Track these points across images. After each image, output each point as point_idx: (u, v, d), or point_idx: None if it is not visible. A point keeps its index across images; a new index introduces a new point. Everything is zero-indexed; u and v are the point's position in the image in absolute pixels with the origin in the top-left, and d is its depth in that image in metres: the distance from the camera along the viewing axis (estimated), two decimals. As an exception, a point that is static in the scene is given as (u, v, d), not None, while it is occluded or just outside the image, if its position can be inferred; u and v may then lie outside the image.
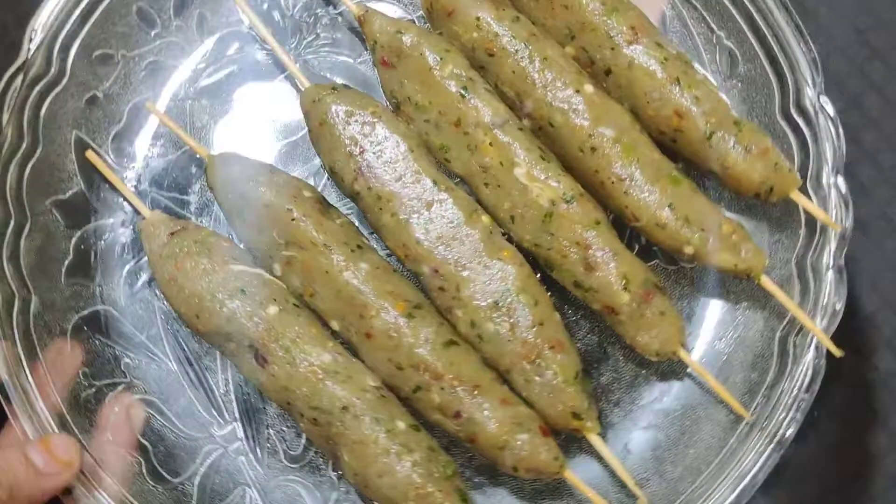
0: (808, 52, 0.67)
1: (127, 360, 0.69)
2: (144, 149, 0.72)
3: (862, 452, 0.74)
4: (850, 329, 0.74)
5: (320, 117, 0.68)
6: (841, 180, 0.66)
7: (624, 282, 0.65)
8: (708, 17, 0.71)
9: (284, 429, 0.68)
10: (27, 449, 0.61)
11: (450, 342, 0.65)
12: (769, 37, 0.68)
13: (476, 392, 0.64)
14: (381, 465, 0.62)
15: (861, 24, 0.79)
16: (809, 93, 0.67)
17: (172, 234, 0.67)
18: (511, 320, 0.64)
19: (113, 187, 0.70)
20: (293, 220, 0.66)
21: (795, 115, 0.68)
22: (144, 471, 0.66)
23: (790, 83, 0.68)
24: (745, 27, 0.70)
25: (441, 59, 0.68)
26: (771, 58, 0.69)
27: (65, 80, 0.70)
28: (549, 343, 0.64)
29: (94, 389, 0.67)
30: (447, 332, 0.65)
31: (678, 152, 0.68)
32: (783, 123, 0.69)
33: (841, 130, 0.66)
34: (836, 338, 0.66)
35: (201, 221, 0.71)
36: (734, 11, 0.70)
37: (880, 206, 0.77)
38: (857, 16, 0.79)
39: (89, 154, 0.70)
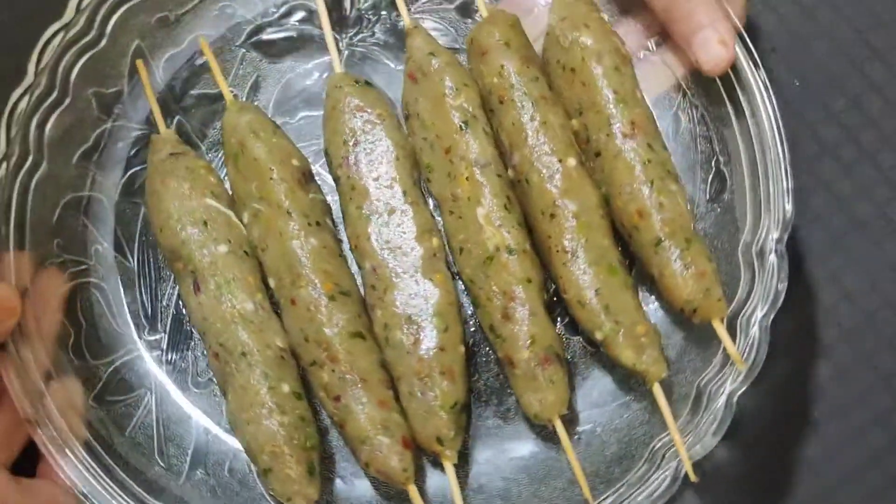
0: (787, 209, 0.70)
1: (98, 246, 0.76)
2: (188, 77, 0.79)
3: (862, 452, 0.75)
4: (850, 329, 0.76)
5: (335, 102, 0.74)
6: (766, 328, 0.68)
7: (529, 341, 0.69)
8: (714, 140, 0.75)
9: (199, 355, 0.75)
10: None
11: (357, 334, 0.70)
12: (761, 179, 0.71)
13: (360, 385, 0.69)
14: (253, 413, 0.68)
15: (861, 24, 0.79)
16: (772, 240, 0.70)
17: (173, 154, 0.74)
18: (417, 336, 0.69)
19: (146, 99, 0.78)
20: (271, 179, 0.72)
21: (753, 255, 0.70)
22: (70, 343, 0.73)
23: (762, 226, 0.71)
24: (744, 161, 0.73)
25: (456, 90, 0.73)
26: (755, 199, 0.72)
27: (145, -6, 0.78)
28: (442, 368, 0.69)
29: (60, 259, 0.75)
30: (360, 325, 0.70)
31: (632, 247, 0.72)
32: (740, 258, 0.71)
33: (783, 284, 0.69)
34: (835, 339, 0.69)
35: (209, 156, 0.78)
36: (741, 145, 0.73)
37: (880, 206, 0.78)
38: (857, 16, 0.79)
39: (139, 62, 0.78)
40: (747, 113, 0.72)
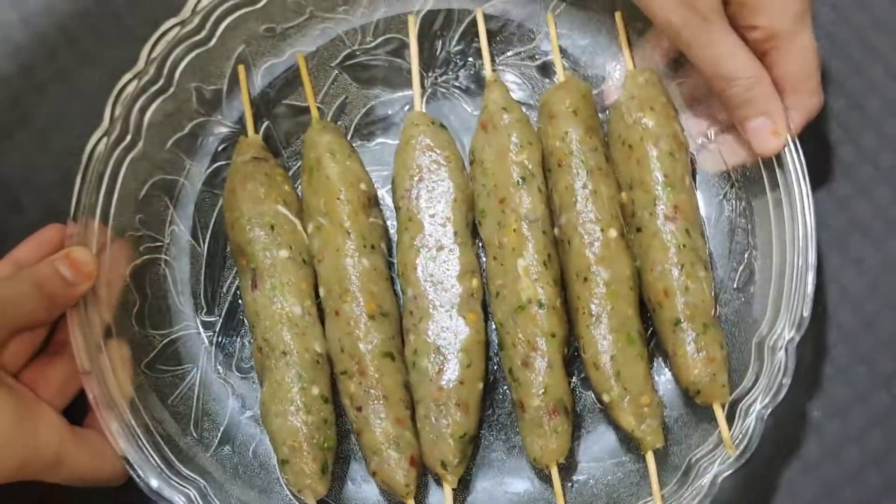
0: (804, 314, 0.74)
1: (175, 227, 0.83)
2: (283, 87, 0.86)
3: (861, 453, 0.77)
4: (850, 329, 0.79)
5: (409, 137, 0.80)
6: (763, 419, 0.73)
7: (543, 390, 0.75)
8: (751, 234, 0.79)
9: (246, 344, 0.82)
10: (56, 264, 0.74)
11: (388, 353, 0.76)
12: (786, 280, 0.76)
13: (382, 401, 0.75)
14: (283, 408, 0.75)
15: (861, 24, 0.81)
16: (784, 339, 0.74)
17: (256, 158, 0.81)
18: (442, 366, 0.75)
19: (241, 101, 0.84)
20: (338, 199, 0.79)
21: (765, 349, 0.75)
22: (135, 311, 0.81)
23: (778, 323, 0.75)
24: (774, 261, 0.77)
25: (520, 146, 0.79)
26: (777, 298, 0.76)
27: (260, 5, 0.84)
28: (458, 400, 0.75)
29: (139, 233, 0.82)
30: (392, 346, 0.77)
31: (654, 321, 0.77)
32: (753, 348, 0.76)
33: (787, 380, 0.73)
34: (835, 339, 0.72)
35: (288, 164, 0.84)
36: (774, 246, 0.78)
37: (880, 205, 0.80)
38: (857, 16, 0.81)
39: (240, 67, 0.85)
40: (787, 220, 0.76)
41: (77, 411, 0.76)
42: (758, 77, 0.75)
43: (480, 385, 0.77)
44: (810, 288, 0.75)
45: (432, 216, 0.78)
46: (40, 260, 0.75)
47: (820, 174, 0.82)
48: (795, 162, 0.76)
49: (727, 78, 0.75)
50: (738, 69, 0.75)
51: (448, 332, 0.76)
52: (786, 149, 0.76)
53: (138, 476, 0.75)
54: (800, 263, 0.75)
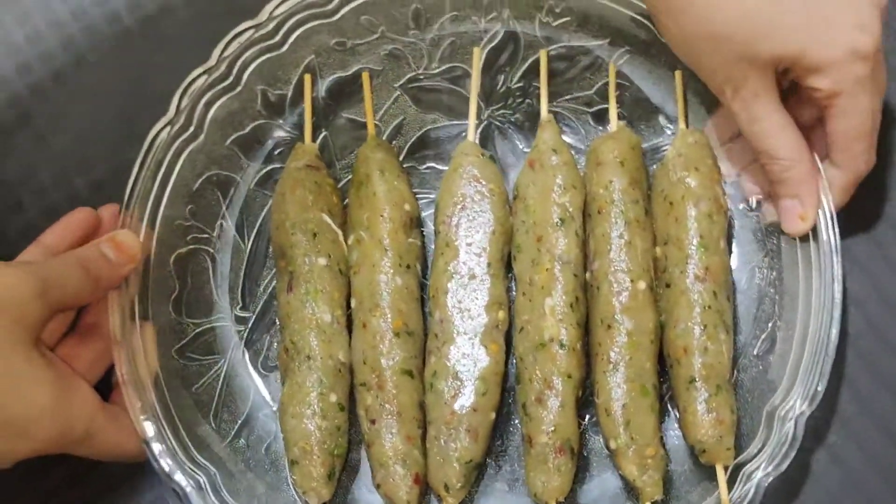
0: (819, 390, 0.75)
1: (223, 222, 0.86)
2: (345, 100, 0.89)
3: (862, 453, 0.78)
4: (850, 331, 0.80)
5: (457, 166, 0.83)
6: (764, 487, 0.74)
7: (552, 428, 0.76)
8: (778, 306, 0.80)
9: (275, 343, 0.84)
10: (101, 246, 0.77)
11: (408, 371, 0.78)
12: (805, 357, 0.77)
13: (395, 417, 0.77)
14: (299, 410, 0.78)
15: None
16: (795, 412, 0.75)
17: (309, 165, 0.84)
18: (458, 391, 0.77)
19: (303, 109, 0.87)
20: (381, 216, 0.81)
21: (775, 418, 0.76)
22: (173, 297, 0.84)
23: (792, 396, 0.76)
24: (796, 336, 0.78)
25: (564, 189, 0.81)
26: (794, 371, 0.77)
27: (334, 18, 0.87)
28: (469, 426, 0.77)
29: (188, 223, 0.85)
30: (413, 364, 0.79)
31: (670, 377, 0.79)
32: (763, 415, 0.78)
33: (793, 452, 0.74)
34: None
35: (339, 175, 0.87)
36: (798, 322, 0.79)
37: (880, 205, 0.81)
38: None
39: (307, 77, 0.88)
40: (814, 302, 0.78)
41: (101, 389, 0.79)
42: (797, 160, 0.77)
43: (493, 415, 0.78)
44: (827, 366, 0.76)
45: (469, 245, 0.80)
46: (69, 244, 0.79)
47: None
48: (831, 241, 0.78)
49: (767, 155, 0.77)
50: (779, 149, 0.77)
51: (468, 359, 0.78)
52: (823, 226, 0.77)
53: (153, 456, 0.77)
54: (821, 339, 0.76)
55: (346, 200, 0.85)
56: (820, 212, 0.78)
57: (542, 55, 0.86)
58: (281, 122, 0.88)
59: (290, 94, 0.88)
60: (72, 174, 0.88)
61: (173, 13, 0.92)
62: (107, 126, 0.90)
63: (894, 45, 0.85)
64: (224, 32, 0.85)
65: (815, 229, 0.79)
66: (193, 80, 0.85)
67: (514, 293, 0.82)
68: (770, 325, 0.81)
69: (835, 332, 0.76)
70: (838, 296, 0.77)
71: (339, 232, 0.83)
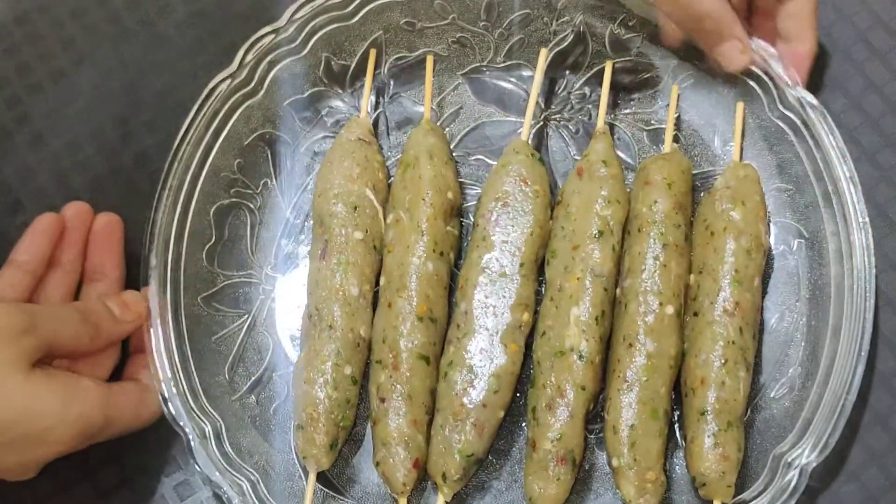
0: (829, 443, 0.75)
1: (268, 180, 0.87)
2: (406, 81, 0.89)
3: (862, 452, 0.78)
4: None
5: (506, 162, 0.83)
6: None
7: (557, 435, 0.76)
8: (804, 353, 0.80)
9: (300, 307, 0.85)
10: (106, 300, 0.79)
11: (424, 357, 0.79)
12: (821, 409, 0.76)
13: (405, 400, 0.78)
14: (312, 376, 0.78)
15: (861, 24, 0.82)
16: (801, 462, 0.75)
17: (360, 139, 0.85)
18: (471, 384, 0.78)
19: (364, 83, 0.88)
20: (423, 199, 0.81)
21: (781, 464, 0.76)
22: (207, 246, 0.84)
23: (801, 445, 0.76)
24: (814, 386, 0.78)
25: (608, 202, 0.81)
26: (807, 420, 0.77)
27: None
28: (476, 420, 0.77)
29: (234, 176, 0.86)
30: (431, 351, 0.79)
31: (682, 406, 0.79)
32: (769, 460, 0.77)
33: (793, 500, 0.74)
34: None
35: (389, 154, 0.87)
36: (821, 373, 0.78)
37: (880, 205, 0.81)
38: (857, 16, 0.82)
39: (372, 52, 0.88)
40: (837, 358, 0.77)
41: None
42: (723, 10, 0.81)
43: (501, 413, 0.79)
44: (842, 420, 0.75)
45: (505, 242, 0.81)
46: (42, 256, 0.81)
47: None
48: (864, 293, 0.77)
49: (698, 17, 0.81)
50: (706, 8, 0.80)
51: (486, 354, 0.78)
52: (856, 282, 0.77)
53: (163, 398, 0.78)
54: (838, 391, 0.76)
55: (392, 179, 0.85)
56: (856, 268, 0.78)
57: (608, 66, 0.86)
58: (340, 91, 0.89)
59: (352, 67, 0.89)
60: (71, 174, 0.89)
61: (173, 13, 0.93)
62: (105, 126, 0.91)
63: (894, 45, 0.84)
64: (223, 33, 0.87)
65: (851, 282, 0.78)
66: (262, 38, 0.85)
67: (541, 297, 0.82)
68: (791, 370, 0.80)
69: (854, 391, 0.76)
70: (861, 364, 0.76)
71: (380, 209, 0.83)
